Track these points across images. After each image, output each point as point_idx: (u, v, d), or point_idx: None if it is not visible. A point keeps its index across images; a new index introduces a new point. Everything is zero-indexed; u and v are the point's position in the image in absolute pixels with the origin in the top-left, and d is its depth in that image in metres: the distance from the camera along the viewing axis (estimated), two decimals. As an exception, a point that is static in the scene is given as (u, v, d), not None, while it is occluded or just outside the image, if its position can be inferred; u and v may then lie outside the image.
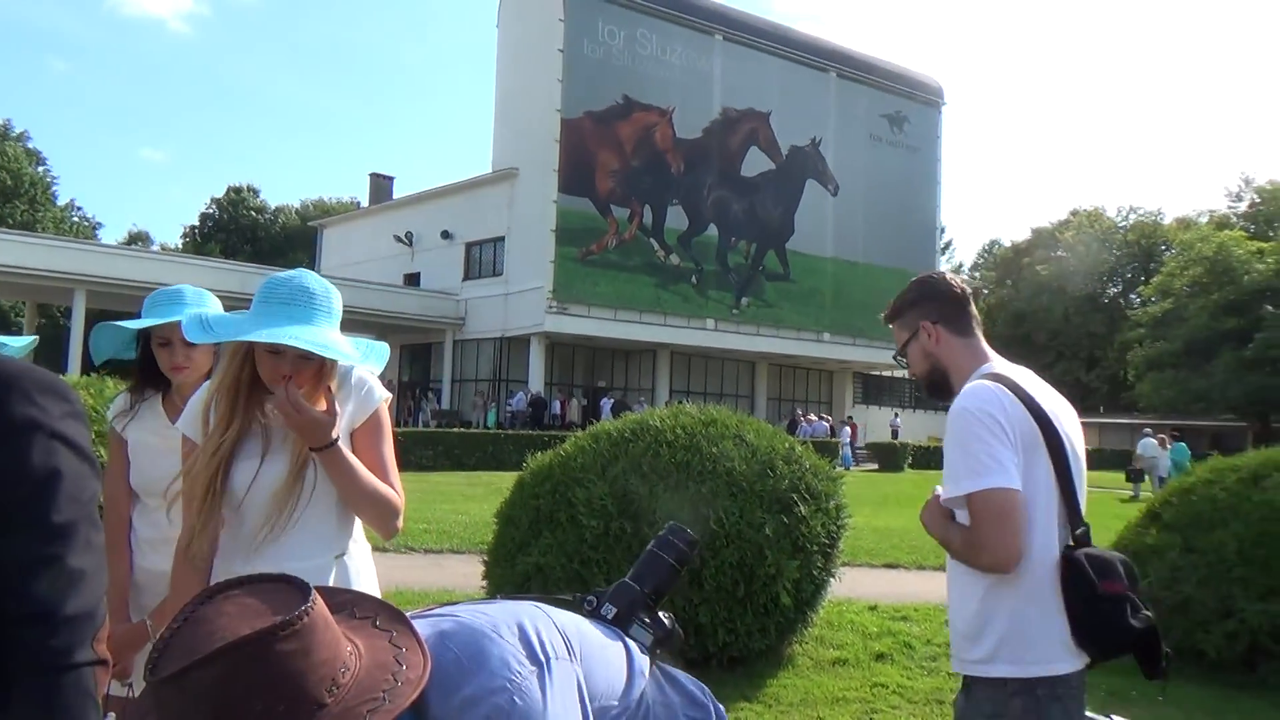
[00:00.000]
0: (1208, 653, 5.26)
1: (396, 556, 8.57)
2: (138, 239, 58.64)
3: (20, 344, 2.33)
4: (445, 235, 34.64)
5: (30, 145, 47.83)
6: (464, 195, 34.75)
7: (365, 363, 2.11)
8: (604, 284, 31.33)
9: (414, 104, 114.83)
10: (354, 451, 2.18)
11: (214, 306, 2.52)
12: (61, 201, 53.24)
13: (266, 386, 2.06)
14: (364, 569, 2.22)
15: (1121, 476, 24.37)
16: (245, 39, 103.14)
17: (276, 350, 2.00)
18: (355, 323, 30.01)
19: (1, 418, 1.18)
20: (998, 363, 2.28)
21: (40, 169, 49.78)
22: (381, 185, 42.97)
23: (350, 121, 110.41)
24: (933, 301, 2.32)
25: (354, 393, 2.17)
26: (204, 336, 2.06)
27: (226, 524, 2.09)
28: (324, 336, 2.00)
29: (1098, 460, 23.11)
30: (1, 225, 36.01)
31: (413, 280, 35.72)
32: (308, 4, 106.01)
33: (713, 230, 34.03)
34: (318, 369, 2.07)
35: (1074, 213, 65.28)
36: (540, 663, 1.27)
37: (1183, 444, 23.16)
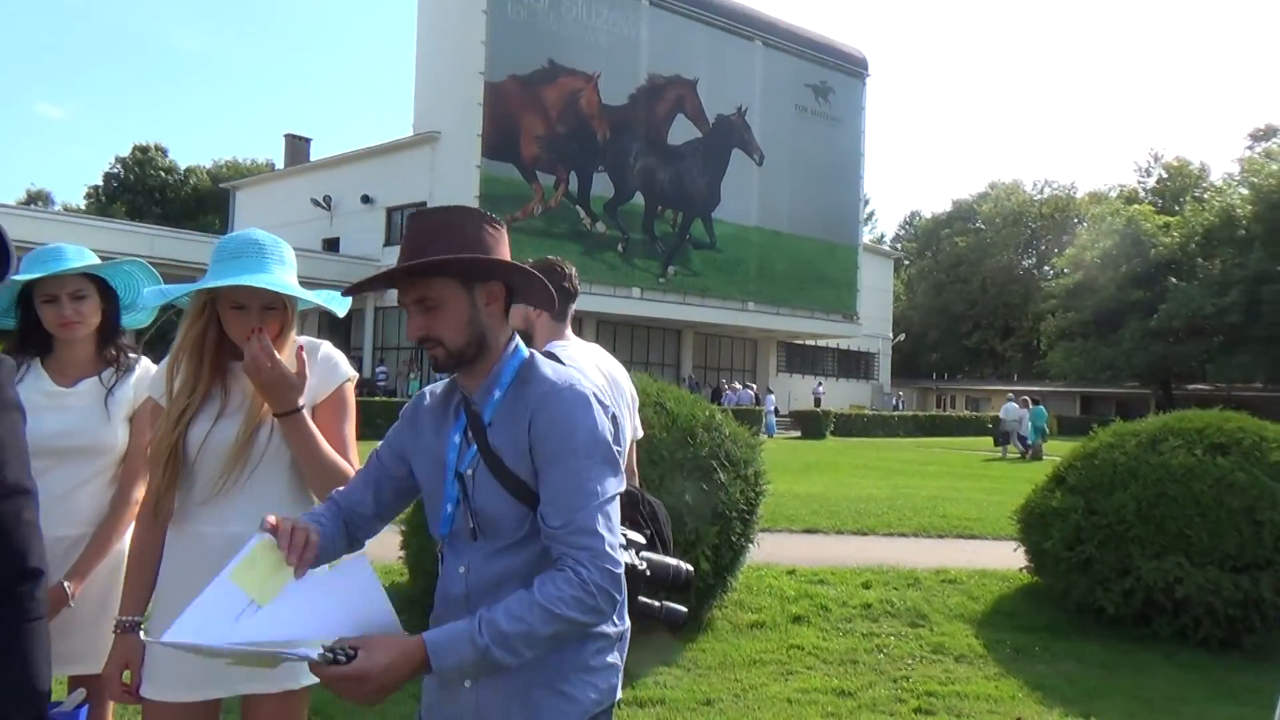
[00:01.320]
0: (1106, 609, 5.49)
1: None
2: (37, 198, 56.04)
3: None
4: (365, 200, 33.86)
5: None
6: (384, 158, 33.97)
7: (328, 305, 2.16)
8: (530, 251, 30.40)
9: (332, 62, 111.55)
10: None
11: (94, 261, 2.50)
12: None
13: (229, 350, 2.10)
14: None
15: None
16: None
17: (240, 304, 2.02)
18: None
19: None
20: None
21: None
22: (298, 147, 41.70)
23: (265, 79, 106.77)
24: None
25: (320, 366, 2.21)
26: (162, 298, 2.18)
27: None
28: (281, 280, 2.03)
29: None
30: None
31: (332, 245, 34.87)
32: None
33: (639, 198, 33.94)
34: (281, 320, 2.08)
35: (992, 185, 66.93)
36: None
37: (1041, 408, 24.92)
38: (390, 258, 32.35)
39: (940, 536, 9.05)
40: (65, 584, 2.37)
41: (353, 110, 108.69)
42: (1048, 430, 25.40)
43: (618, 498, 1.69)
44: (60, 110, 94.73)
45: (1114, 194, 58.95)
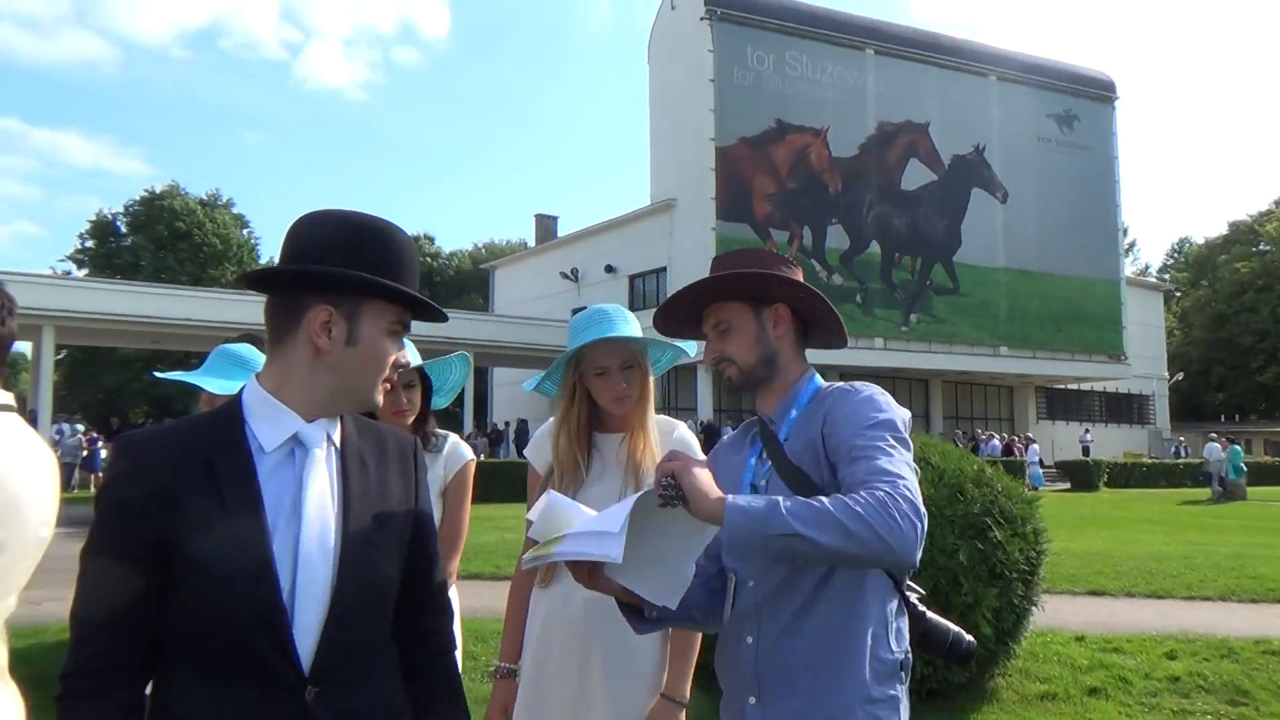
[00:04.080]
0: None
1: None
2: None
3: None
4: (609, 269, 35.47)
5: (235, 211, 52.35)
6: (625, 229, 35.50)
7: (684, 350, 2.31)
8: (767, 309, 31.11)
9: (574, 144, 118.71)
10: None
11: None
12: (264, 260, 58.03)
13: (595, 423, 2.33)
14: None
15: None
16: (414, 100, 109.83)
17: (601, 369, 2.27)
18: (526, 358, 31.07)
19: None
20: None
21: (245, 232, 54.32)
22: (546, 225, 44.52)
23: (514, 167, 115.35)
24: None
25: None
26: (535, 384, 2.47)
27: None
28: (633, 333, 2.27)
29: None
30: (215, 286, 39.49)
31: (579, 315, 36.68)
32: (467, 62, 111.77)
33: (875, 247, 33.30)
34: (641, 378, 2.30)
35: (1278, 203, 59.84)
36: None
37: (1237, 447, 25.44)
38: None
39: (1254, 601, 8.03)
40: None
41: (595, 186, 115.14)
42: (1244, 469, 25.25)
43: (914, 478, 1.61)
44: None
45: None
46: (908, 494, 1.53)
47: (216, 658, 1.37)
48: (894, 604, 1.78)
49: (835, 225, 32.64)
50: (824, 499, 1.52)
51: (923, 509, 1.54)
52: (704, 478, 1.57)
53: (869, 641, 1.72)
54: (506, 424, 32.53)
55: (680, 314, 1.95)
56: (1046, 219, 36.40)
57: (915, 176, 34.43)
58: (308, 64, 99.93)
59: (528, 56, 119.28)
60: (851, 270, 32.74)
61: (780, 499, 1.52)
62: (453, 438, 2.86)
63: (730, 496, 1.53)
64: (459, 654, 2.60)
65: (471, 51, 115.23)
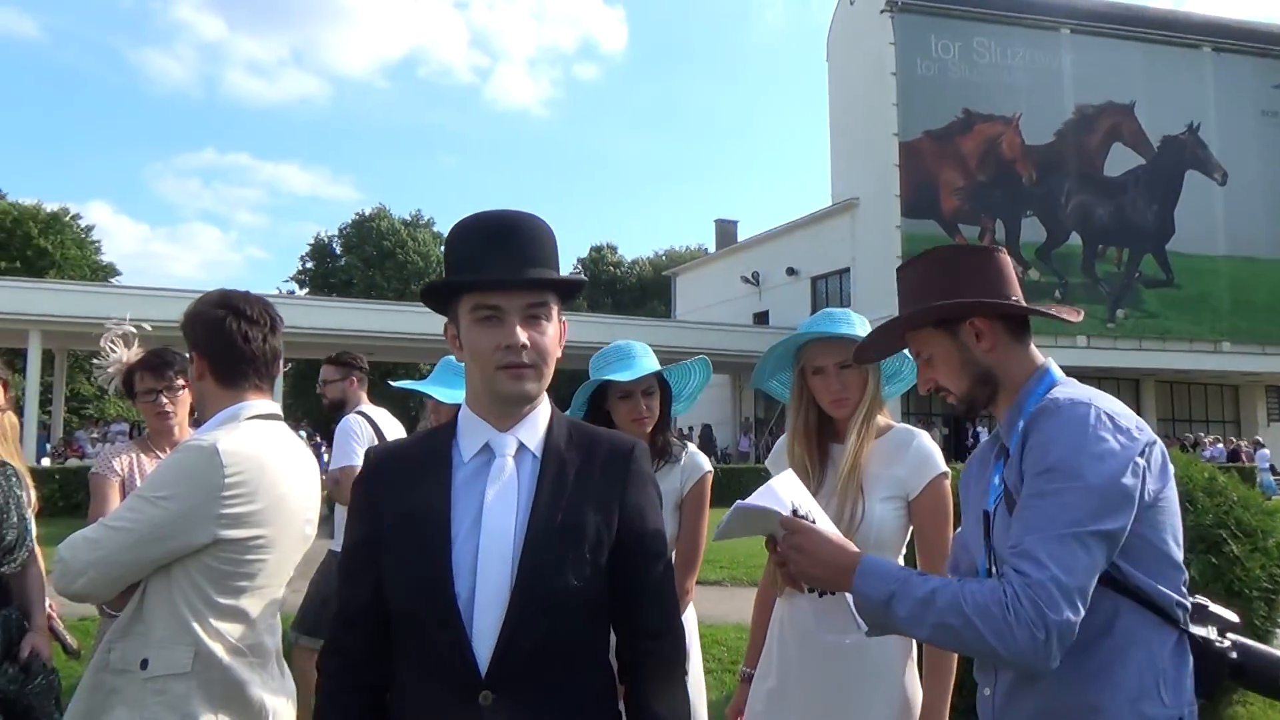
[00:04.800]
0: None
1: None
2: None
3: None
4: (790, 272, 35.21)
5: (435, 230, 55.51)
6: (806, 231, 35.15)
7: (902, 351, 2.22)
8: (957, 307, 29.99)
9: (751, 149, 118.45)
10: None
11: (653, 359, 2.75)
12: (458, 276, 61.13)
13: (826, 431, 2.30)
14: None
15: None
16: (594, 113, 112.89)
17: (818, 368, 2.25)
18: (713, 364, 31.21)
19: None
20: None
21: (443, 249, 57.43)
22: (726, 230, 44.68)
23: (693, 173, 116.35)
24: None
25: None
26: (763, 381, 2.48)
27: None
28: (858, 332, 2.23)
29: None
30: (418, 301, 42.05)
31: (761, 319, 36.60)
32: (644, 73, 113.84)
33: (1075, 239, 31.39)
34: (861, 381, 2.24)
35: None
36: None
37: None
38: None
39: None
40: None
41: (774, 188, 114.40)
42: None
43: (1103, 535, 1.41)
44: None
45: None
46: (1037, 600, 1.35)
47: (415, 654, 1.50)
48: (1169, 645, 1.52)
49: (1030, 217, 31.01)
50: (942, 590, 1.43)
51: (1064, 609, 1.36)
52: (819, 556, 1.54)
53: (1126, 695, 1.48)
54: (690, 429, 32.90)
55: (879, 351, 1.90)
56: (1274, 200, 33.13)
57: (1120, 161, 32.18)
58: (496, 86, 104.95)
59: (703, 63, 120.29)
60: (1049, 264, 31.01)
61: (900, 585, 1.46)
62: (691, 448, 2.78)
63: (857, 574, 1.50)
64: (694, 663, 2.70)
65: (648, 63, 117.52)
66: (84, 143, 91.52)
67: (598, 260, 62.67)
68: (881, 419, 2.27)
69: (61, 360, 28.69)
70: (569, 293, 1.60)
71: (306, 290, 50.29)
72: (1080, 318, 1.84)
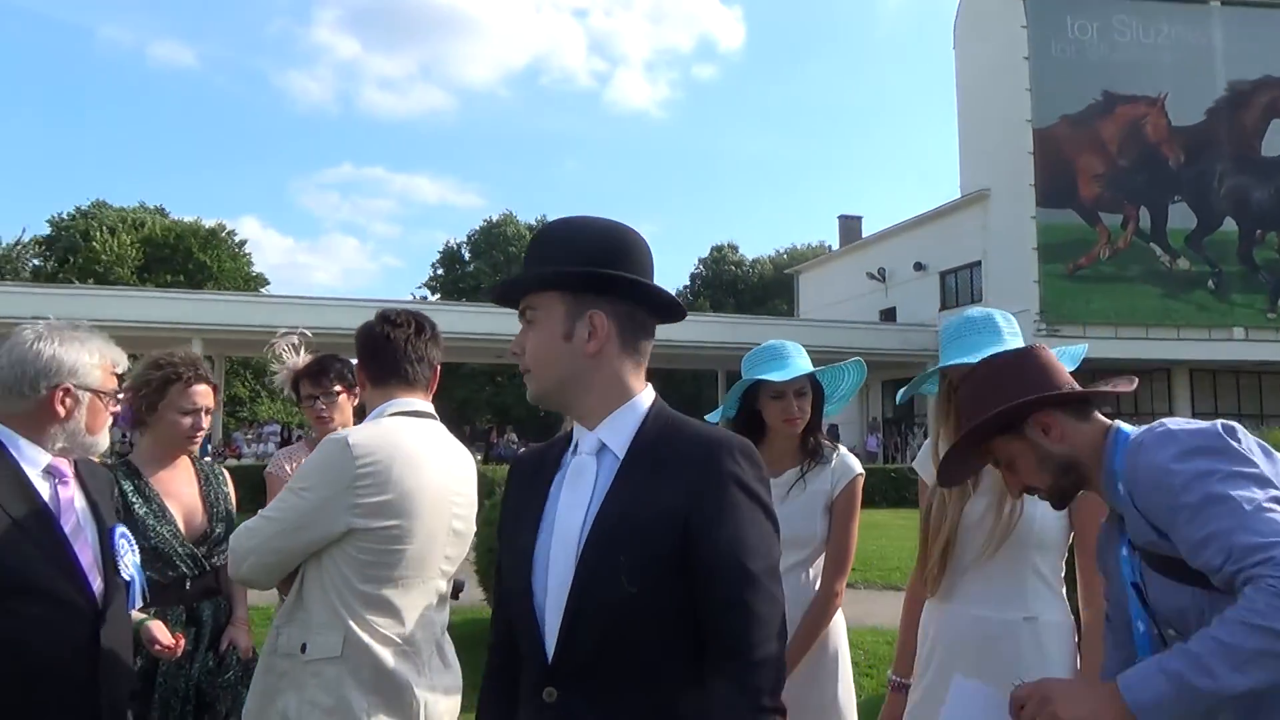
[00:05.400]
0: None
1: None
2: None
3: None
4: (918, 267, 34.34)
5: (559, 234, 56.65)
6: (934, 224, 34.20)
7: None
8: (1099, 300, 28.68)
9: (874, 143, 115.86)
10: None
11: (806, 359, 2.70)
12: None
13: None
14: (1056, 643, 2.20)
15: None
16: (712, 113, 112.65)
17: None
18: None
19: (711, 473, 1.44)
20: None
21: (566, 253, 58.63)
22: (851, 226, 43.94)
23: (814, 170, 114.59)
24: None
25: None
26: (907, 394, 2.46)
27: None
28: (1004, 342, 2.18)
29: None
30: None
31: (888, 315, 35.86)
32: (762, 71, 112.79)
33: (1230, 225, 29.52)
34: None
35: None
36: None
37: None
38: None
39: None
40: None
41: (899, 182, 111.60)
42: None
43: (1275, 498, 1.41)
44: (654, 225, 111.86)
45: None
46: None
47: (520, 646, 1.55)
48: None
49: (1178, 203, 29.32)
50: (1212, 634, 1.35)
51: None
52: (1074, 701, 1.43)
53: None
54: (817, 428, 32.43)
55: (959, 475, 1.89)
56: None
57: (1278, 141, 30.03)
58: (615, 90, 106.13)
59: (823, 58, 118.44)
60: (1200, 252, 29.24)
61: (1169, 662, 1.37)
62: (842, 449, 2.73)
63: (1126, 692, 1.38)
64: (844, 665, 2.61)
65: (767, 60, 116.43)
66: (236, 161, 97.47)
67: (719, 260, 62.60)
68: None
69: (220, 365, 30.68)
70: (573, 286, 1.49)
71: (438, 296, 52.19)
72: (1134, 386, 1.80)
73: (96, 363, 2.09)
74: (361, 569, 2.08)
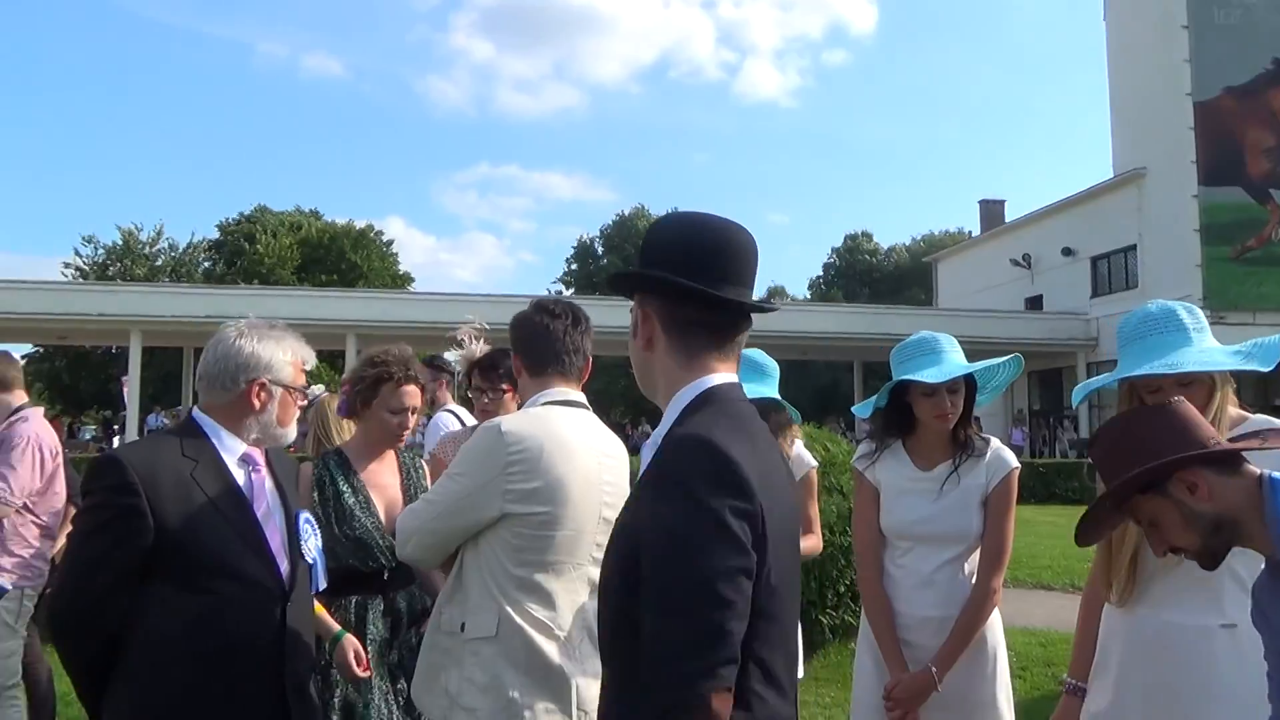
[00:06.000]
0: None
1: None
2: (775, 293, 65.78)
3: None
4: (1066, 252, 32.73)
5: (688, 228, 56.94)
6: (1084, 207, 32.51)
7: (1246, 365, 2.03)
8: (1271, 284, 26.65)
9: (1016, 124, 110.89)
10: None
11: (959, 352, 2.63)
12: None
13: None
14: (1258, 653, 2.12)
15: None
16: (844, 99, 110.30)
17: (1155, 389, 2.07)
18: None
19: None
20: None
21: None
22: (993, 210, 42.27)
23: (952, 154, 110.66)
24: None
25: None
26: (1084, 392, 2.33)
27: None
28: (1197, 358, 2.03)
29: None
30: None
31: (1034, 304, 34.34)
32: (896, 54, 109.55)
33: None
34: (1206, 394, 2.05)
35: None
36: None
37: None
38: (1099, 309, 30.58)
39: None
40: (932, 669, 2.47)
41: (1044, 164, 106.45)
42: None
43: None
44: (784, 216, 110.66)
45: None
46: None
47: None
48: None
49: (1361, 177, 26.94)
50: None
51: None
52: None
53: None
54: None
55: (1099, 533, 1.82)
56: None
57: None
58: (744, 81, 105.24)
59: (959, 37, 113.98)
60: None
61: None
62: (995, 442, 2.69)
63: None
64: (1002, 665, 2.58)
65: (900, 42, 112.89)
66: (381, 164, 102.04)
67: (853, 249, 61.44)
68: (1233, 409, 2.10)
69: (369, 361, 32.29)
70: (631, 286, 1.56)
71: (572, 290, 53.28)
72: None
73: (289, 360, 2.22)
74: (514, 553, 2.14)
